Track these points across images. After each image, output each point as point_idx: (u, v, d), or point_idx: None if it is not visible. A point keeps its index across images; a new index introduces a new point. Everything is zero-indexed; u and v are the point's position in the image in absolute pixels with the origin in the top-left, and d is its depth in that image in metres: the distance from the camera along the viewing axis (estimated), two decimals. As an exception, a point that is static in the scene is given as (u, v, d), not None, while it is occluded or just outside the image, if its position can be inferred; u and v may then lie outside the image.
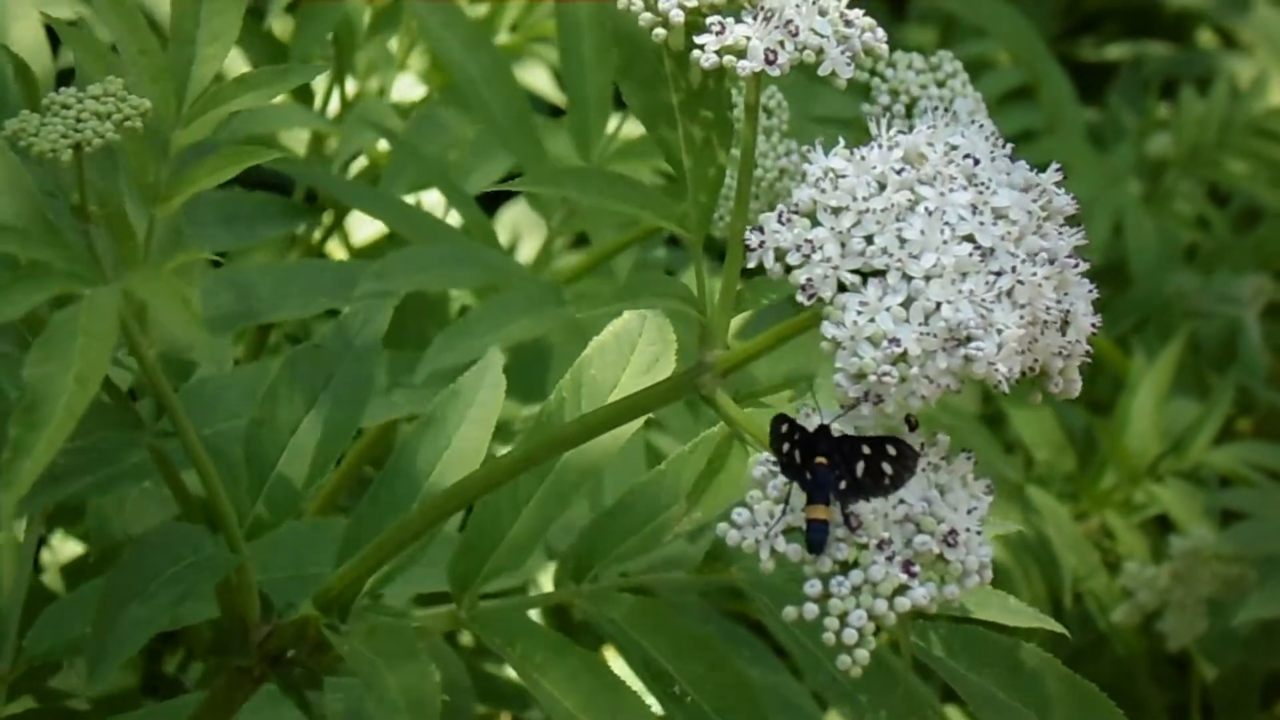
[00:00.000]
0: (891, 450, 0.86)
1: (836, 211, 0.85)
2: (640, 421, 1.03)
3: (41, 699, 1.36)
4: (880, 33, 0.93)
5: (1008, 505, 1.90)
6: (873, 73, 1.31)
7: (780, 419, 0.86)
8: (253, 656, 1.06)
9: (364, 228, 1.96)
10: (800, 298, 0.85)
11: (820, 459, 0.86)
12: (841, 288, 0.84)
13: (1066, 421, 2.03)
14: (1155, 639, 1.89)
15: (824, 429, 0.87)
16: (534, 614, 1.61)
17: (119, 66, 0.98)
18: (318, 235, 1.86)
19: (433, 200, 1.86)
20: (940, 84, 1.30)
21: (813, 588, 0.85)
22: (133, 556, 1.01)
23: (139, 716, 1.20)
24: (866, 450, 0.86)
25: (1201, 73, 2.48)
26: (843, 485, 0.86)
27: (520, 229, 2.09)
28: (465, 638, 1.74)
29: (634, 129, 1.73)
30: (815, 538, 0.85)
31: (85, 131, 0.93)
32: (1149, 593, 1.85)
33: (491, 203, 2.00)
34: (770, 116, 1.32)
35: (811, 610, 0.84)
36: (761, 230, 0.86)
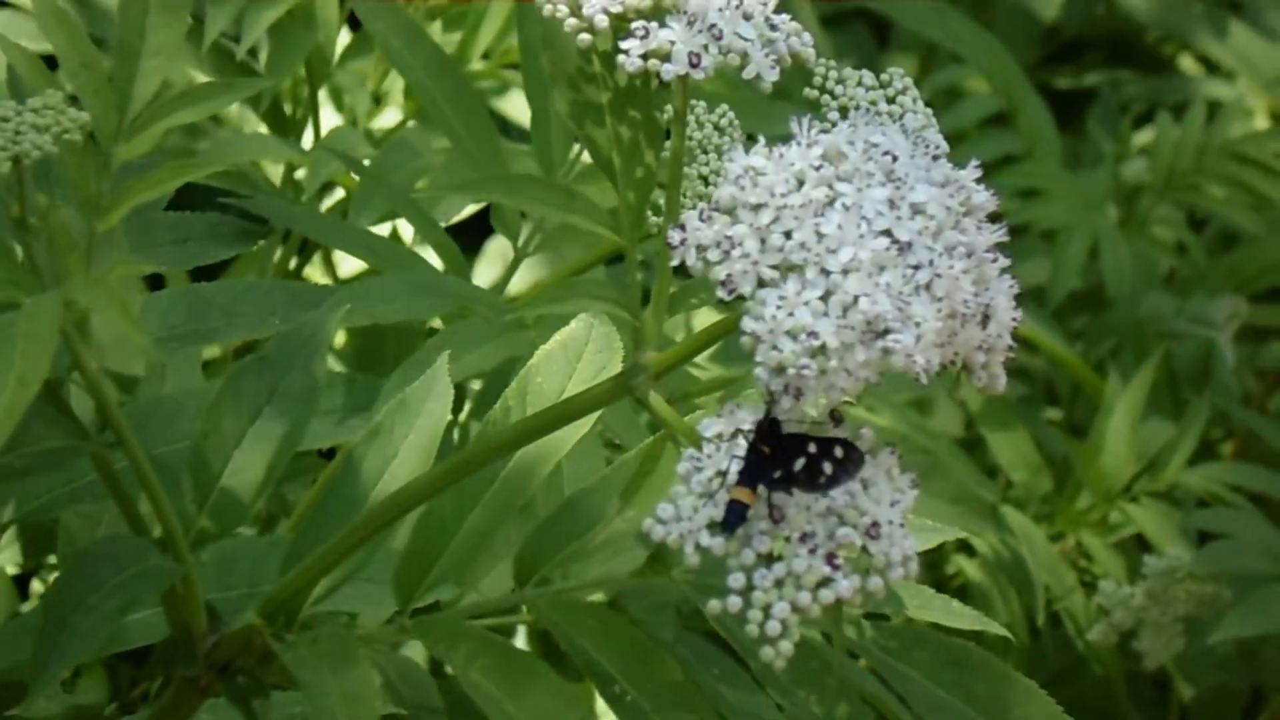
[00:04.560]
0: (839, 451, 0.88)
1: (756, 208, 0.86)
2: (589, 425, 1.04)
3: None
4: (807, 37, 0.95)
5: (983, 526, 1.90)
6: (822, 89, 1.32)
7: None
8: (200, 666, 1.07)
9: (350, 259, 1.97)
10: (720, 293, 0.86)
11: (764, 447, 0.87)
12: (761, 283, 0.85)
13: (1046, 444, 2.04)
14: (1134, 659, 1.90)
15: (774, 422, 0.88)
16: (521, 639, 1.62)
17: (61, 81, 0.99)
18: (294, 263, 1.87)
19: (409, 229, 1.87)
20: (890, 100, 1.32)
21: (736, 580, 0.86)
22: (77, 568, 1.01)
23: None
24: (812, 449, 0.88)
25: (1179, 98, 2.49)
26: (777, 475, 0.87)
27: (507, 258, 2.09)
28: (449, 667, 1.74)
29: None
30: (730, 517, 0.86)
31: (24, 144, 0.94)
32: (1124, 611, 1.85)
33: (476, 234, 2.01)
34: (722, 135, 1.33)
35: (735, 603, 0.85)
36: (683, 228, 0.87)
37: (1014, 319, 0.88)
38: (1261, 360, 2.27)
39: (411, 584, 1.06)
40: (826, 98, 1.30)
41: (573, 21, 0.93)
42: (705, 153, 1.27)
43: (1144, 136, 2.41)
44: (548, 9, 0.93)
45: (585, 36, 0.93)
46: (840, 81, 1.31)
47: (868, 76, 1.31)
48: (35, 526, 1.58)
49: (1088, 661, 1.94)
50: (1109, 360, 2.13)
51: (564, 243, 1.68)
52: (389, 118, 1.94)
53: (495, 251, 2.15)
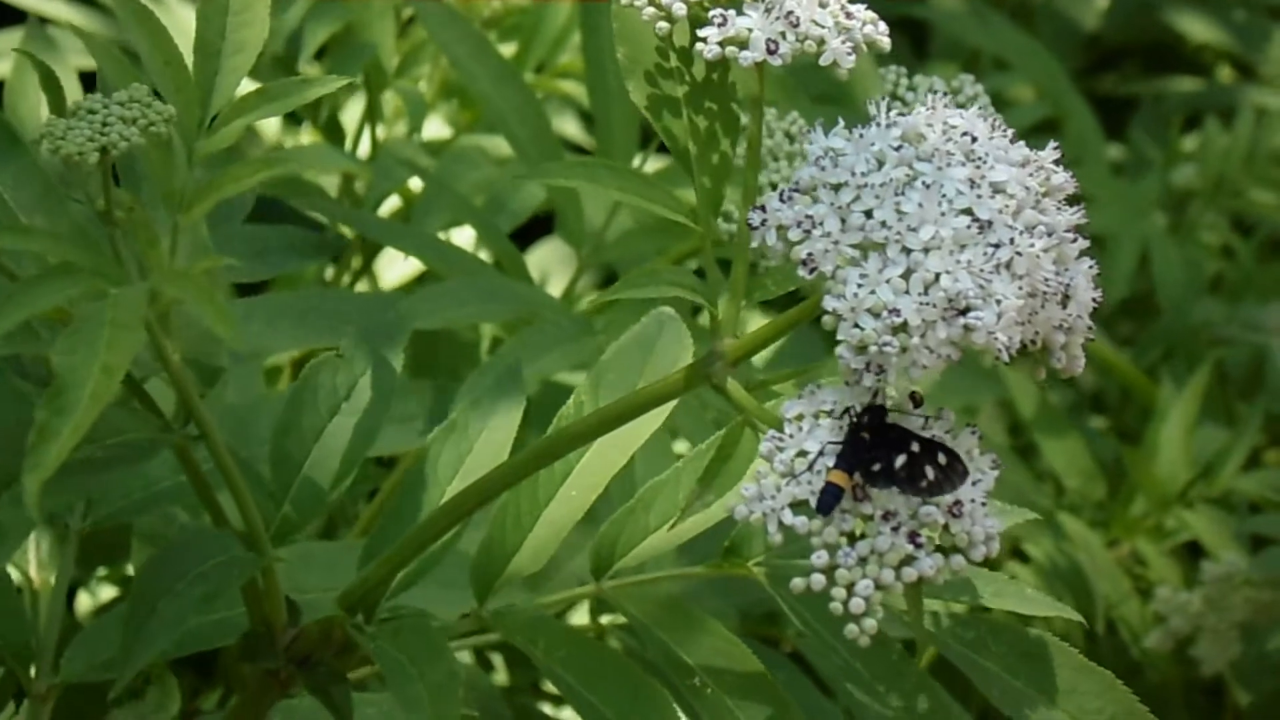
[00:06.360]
0: (942, 458, 0.88)
1: (836, 188, 0.87)
2: (663, 416, 1.05)
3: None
4: (882, 26, 0.95)
5: (1039, 532, 1.90)
6: (893, 96, 1.34)
7: None
8: (280, 659, 1.07)
9: (393, 269, 1.99)
10: (801, 272, 0.87)
11: (866, 434, 0.88)
12: (842, 262, 0.86)
13: (1097, 450, 2.04)
14: (1189, 665, 1.89)
15: (877, 409, 0.89)
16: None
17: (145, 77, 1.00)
18: (347, 278, 1.89)
19: (464, 238, 1.89)
20: (961, 107, 1.33)
21: (820, 559, 0.86)
22: (162, 557, 1.03)
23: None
24: (915, 448, 0.88)
25: (1223, 105, 2.49)
26: (875, 468, 0.87)
27: (549, 267, 2.11)
28: (500, 676, 1.75)
29: (659, 163, 1.76)
30: (825, 499, 0.86)
31: (111, 135, 0.95)
32: (1181, 618, 1.85)
33: (521, 242, 2.02)
34: (792, 142, 1.35)
35: (819, 581, 0.86)
36: (764, 209, 0.88)
37: (1094, 299, 0.89)
38: (1311, 366, 2.26)
39: (490, 577, 1.07)
40: (898, 104, 1.32)
41: (650, 10, 0.94)
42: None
43: (1186, 144, 2.41)
44: (625, -1, 0.94)
45: (663, 25, 0.94)
46: (911, 89, 1.33)
47: (938, 83, 1.33)
48: (86, 537, 1.60)
49: (1142, 668, 1.93)
50: (1160, 366, 2.13)
51: (623, 252, 1.69)
52: (433, 129, 1.96)
53: (534, 263, 2.17)
